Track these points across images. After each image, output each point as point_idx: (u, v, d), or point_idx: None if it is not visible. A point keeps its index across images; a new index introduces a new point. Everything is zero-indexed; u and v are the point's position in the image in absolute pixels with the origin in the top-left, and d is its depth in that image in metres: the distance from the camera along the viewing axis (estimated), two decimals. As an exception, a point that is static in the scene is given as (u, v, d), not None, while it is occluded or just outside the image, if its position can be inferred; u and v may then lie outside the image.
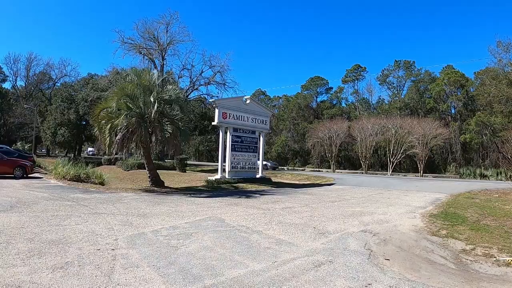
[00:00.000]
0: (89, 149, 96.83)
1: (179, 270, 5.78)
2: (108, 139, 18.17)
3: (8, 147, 35.62)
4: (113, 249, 6.82)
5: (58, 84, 74.67)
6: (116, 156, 37.35)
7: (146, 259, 6.31)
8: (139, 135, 18.42)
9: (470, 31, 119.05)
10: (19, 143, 56.22)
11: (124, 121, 18.07)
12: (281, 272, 5.91)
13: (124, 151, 20.12)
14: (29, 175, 22.60)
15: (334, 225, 10.13)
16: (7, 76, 79.89)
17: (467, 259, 7.32)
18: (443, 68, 69.84)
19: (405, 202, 16.03)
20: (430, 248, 8.08)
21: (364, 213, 12.67)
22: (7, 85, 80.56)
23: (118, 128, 18.40)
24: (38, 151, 73.57)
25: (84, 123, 55.78)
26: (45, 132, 59.42)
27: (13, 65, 76.50)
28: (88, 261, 6.06)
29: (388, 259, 6.94)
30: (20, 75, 77.75)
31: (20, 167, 22.18)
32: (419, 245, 8.31)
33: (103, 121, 18.55)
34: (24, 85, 78.12)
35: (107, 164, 42.27)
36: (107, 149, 19.47)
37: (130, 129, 18.42)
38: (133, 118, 18.34)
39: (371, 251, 7.47)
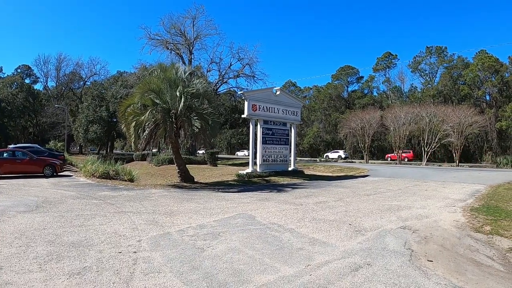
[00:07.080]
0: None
1: (203, 276, 5.35)
2: (133, 135, 17.98)
3: (38, 146, 36.22)
4: (135, 252, 6.48)
5: (88, 83, 75.98)
6: (146, 152, 37.52)
7: (169, 263, 5.92)
8: (165, 130, 18.14)
9: (503, 14, 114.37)
10: (51, 142, 57.17)
11: (150, 116, 17.82)
12: (314, 278, 5.38)
13: (151, 147, 19.93)
14: (59, 173, 22.90)
15: (370, 221, 9.58)
16: (38, 77, 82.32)
17: (516, 260, 6.65)
18: (476, 53, 67.19)
19: (444, 195, 15.35)
20: (474, 247, 7.44)
21: (402, 207, 12.06)
22: (38, 86, 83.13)
23: (146, 124, 18.18)
24: (71, 149, 75.04)
25: (115, 120, 56.29)
26: (77, 130, 60.48)
27: (43, 67, 78.70)
28: (107, 265, 5.73)
29: (431, 261, 6.34)
30: (51, 75, 79.63)
31: (49, 166, 22.45)
32: (462, 243, 7.68)
33: (130, 118, 18.33)
34: (55, 86, 79.75)
35: (138, 160, 42.60)
36: (133, 145, 19.34)
37: (157, 125, 18.16)
38: (159, 114, 18.08)
39: (412, 251, 6.88)
